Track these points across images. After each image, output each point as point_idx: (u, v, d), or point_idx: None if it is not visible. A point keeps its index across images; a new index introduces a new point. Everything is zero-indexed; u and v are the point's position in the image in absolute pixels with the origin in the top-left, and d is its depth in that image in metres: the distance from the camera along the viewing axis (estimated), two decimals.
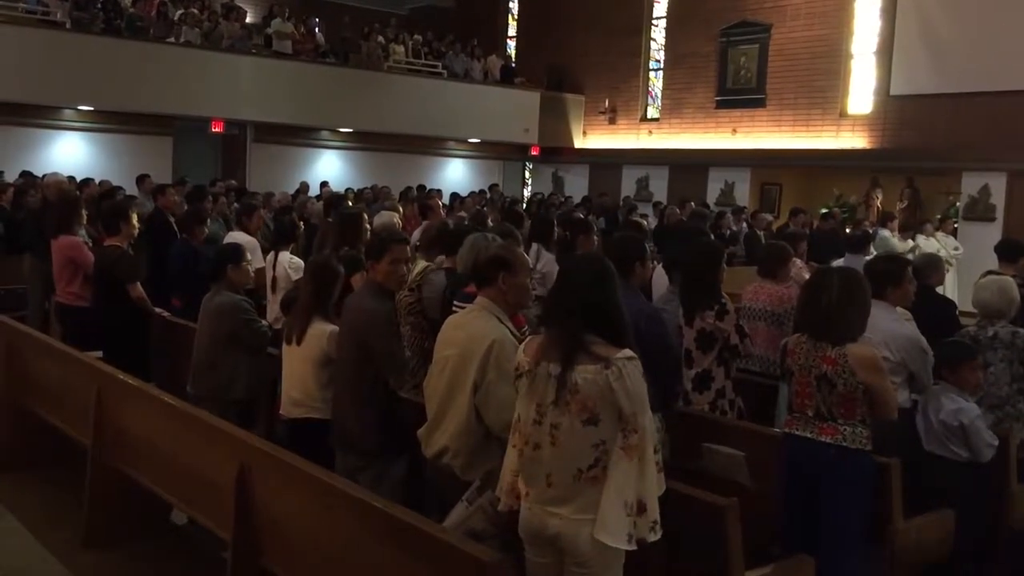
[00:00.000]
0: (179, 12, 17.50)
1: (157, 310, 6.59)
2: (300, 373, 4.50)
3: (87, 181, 12.42)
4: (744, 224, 13.99)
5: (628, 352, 2.89)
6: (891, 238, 12.12)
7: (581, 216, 10.47)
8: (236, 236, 7.57)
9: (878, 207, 16.60)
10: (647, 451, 2.88)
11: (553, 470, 2.94)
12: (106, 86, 15.58)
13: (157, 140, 16.98)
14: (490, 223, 8.55)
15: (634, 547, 2.86)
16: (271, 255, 6.97)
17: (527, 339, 3.21)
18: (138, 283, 6.34)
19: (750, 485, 4.16)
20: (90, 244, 7.07)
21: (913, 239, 13.32)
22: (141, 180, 12.21)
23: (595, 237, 7.46)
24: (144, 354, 6.28)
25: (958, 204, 15.89)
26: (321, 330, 4.45)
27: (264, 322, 5.54)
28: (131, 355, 5.97)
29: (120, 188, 12.34)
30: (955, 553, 4.22)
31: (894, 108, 16.76)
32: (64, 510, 5.27)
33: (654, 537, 2.88)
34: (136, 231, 6.73)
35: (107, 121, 16.54)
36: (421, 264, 5.35)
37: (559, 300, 3.07)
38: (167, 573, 4.78)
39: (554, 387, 2.91)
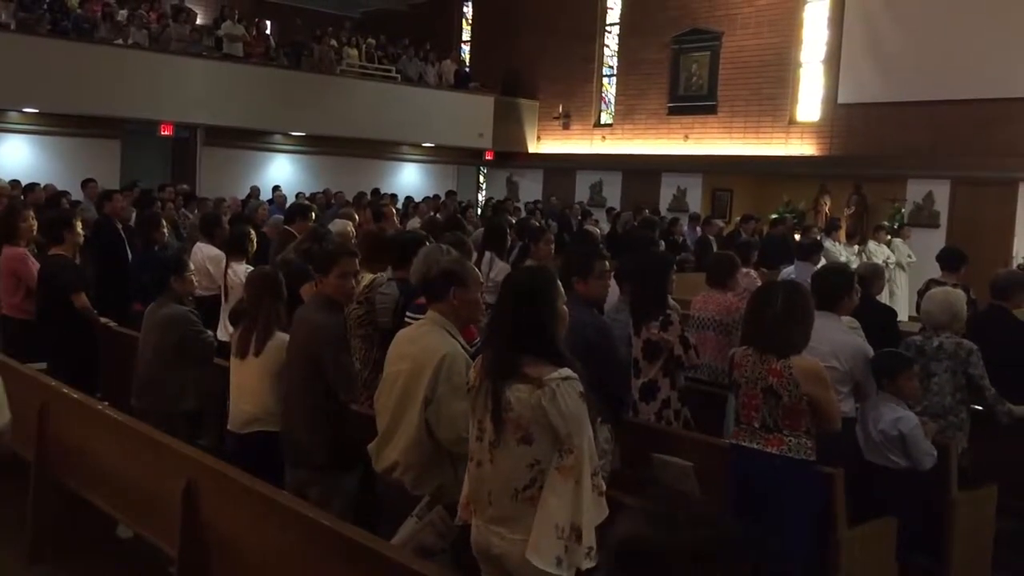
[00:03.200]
0: (123, 12, 17.19)
1: (103, 320, 6.48)
2: (257, 386, 4.43)
3: (32, 186, 12.19)
4: (697, 230, 14.14)
5: (565, 372, 2.83)
6: (834, 248, 12.28)
7: (537, 224, 10.52)
8: (203, 248, 7.46)
9: (826, 213, 16.86)
10: (584, 474, 2.81)
11: (492, 488, 2.93)
12: (52, 88, 15.27)
13: (105, 143, 16.69)
14: None
15: (566, 573, 2.79)
16: (223, 264, 6.87)
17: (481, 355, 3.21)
18: (83, 293, 6.23)
19: (699, 495, 4.21)
20: (35, 252, 6.93)
21: (861, 244, 13.53)
22: (86, 185, 11.99)
23: (551, 245, 7.50)
24: (91, 365, 6.18)
25: (903, 211, 16.20)
26: (282, 340, 4.42)
27: (210, 333, 5.48)
28: (77, 367, 5.87)
29: (66, 193, 12.14)
30: (903, 560, 4.31)
31: (841, 116, 17.04)
32: (8, 526, 5.15)
33: (588, 564, 2.80)
34: (81, 239, 6.62)
35: (53, 124, 16.22)
36: (368, 276, 5.31)
37: (494, 317, 3.07)
38: None
39: (490, 406, 2.89)
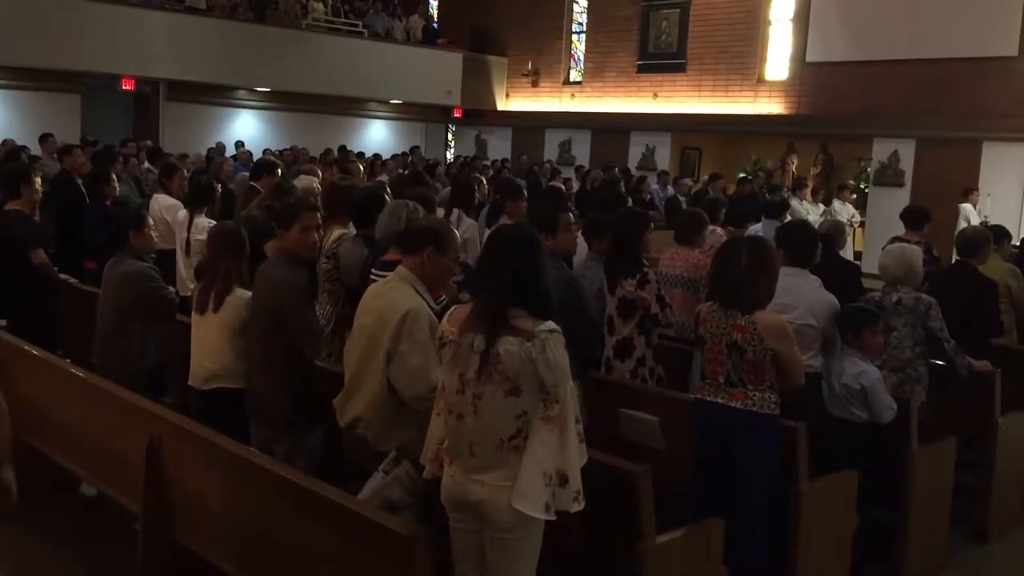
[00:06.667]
0: None
1: (63, 276, 6.38)
2: (216, 342, 4.38)
3: None
4: (669, 188, 14.17)
5: (551, 325, 2.92)
6: (800, 207, 12.33)
7: (513, 180, 10.43)
8: (159, 199, 7.48)
9: (793, 172, 16.96)
10: (568, 422, 2.92)
11: (475, 439, 2.96)
12: (10, 41, 14.87)
13: (65, 98, 16.36)
14: None
15: (552, 517, 2.89)
16: (185, 215, 6.81)
17: (452, 308, 3.19)
18: (41, 249, 6.12)
19: (664, 449, 4.25)
20: None
21: (826, 203, 13.60)
22: (44, 140, 11.77)
23: (524, 203, 7.44)
24: (52, 322, 6.09)
25: (869, 170, 16.32)
26: (240, 297, 4.36)
27: (171, 288, 5.41)
28: (38, 324, 5.79)
29: (25, 148, 11.92)
30: (863, 512, 4.38)
31: (809, 75, 17.07)
32: None
33: (577, 507, 2.92)
34: (39, 194, 6.49)
35: (11, 77, 15.84)
36: (337, 231, 5.25)
37: (486, 272, 3.07)
38: (76, 546, 4.68)
39: (478, 358, 2.92)
